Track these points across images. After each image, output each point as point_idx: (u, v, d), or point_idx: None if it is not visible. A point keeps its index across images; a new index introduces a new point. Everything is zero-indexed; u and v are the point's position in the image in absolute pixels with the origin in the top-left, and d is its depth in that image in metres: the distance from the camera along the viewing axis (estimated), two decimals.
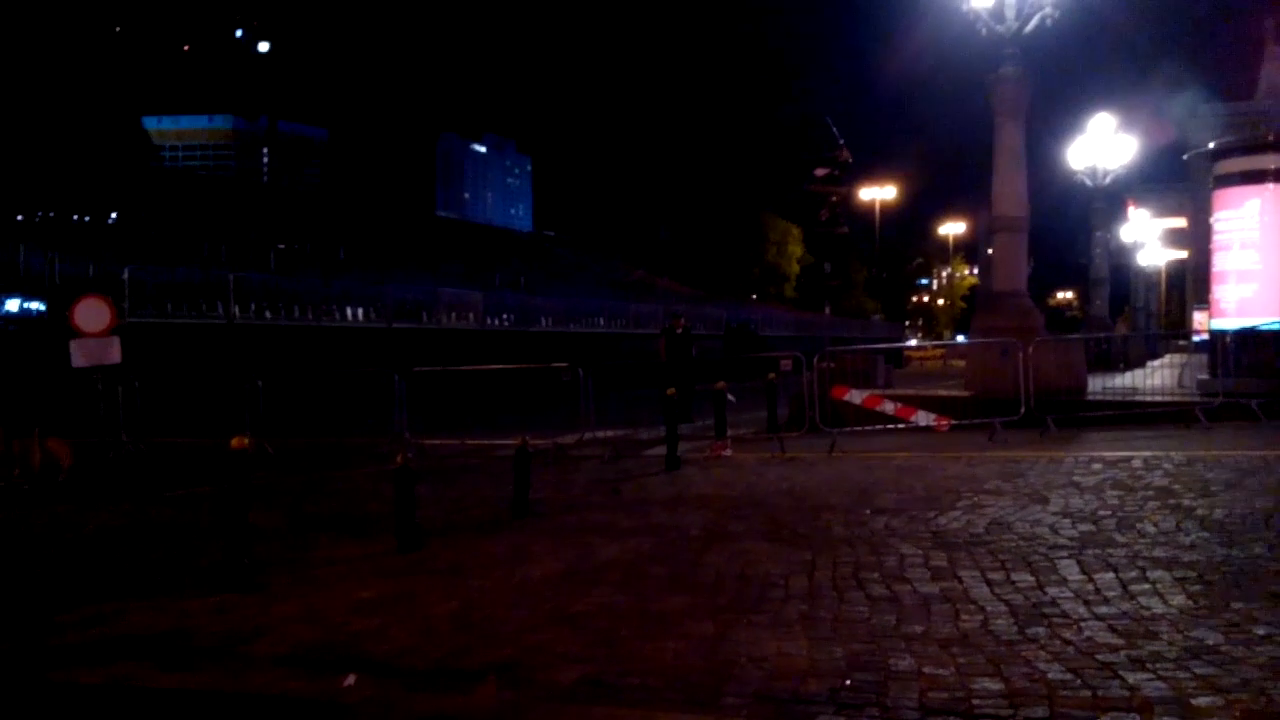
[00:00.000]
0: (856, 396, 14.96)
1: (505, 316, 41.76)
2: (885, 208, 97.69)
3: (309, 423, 17.02)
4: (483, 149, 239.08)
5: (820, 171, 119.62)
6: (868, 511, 8.20)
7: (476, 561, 7.06)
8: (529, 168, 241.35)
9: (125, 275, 26.18)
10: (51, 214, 40.70)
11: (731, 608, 5.56)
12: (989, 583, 5.83)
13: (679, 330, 19.31)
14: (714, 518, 8.42)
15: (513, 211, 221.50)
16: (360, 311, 34.57)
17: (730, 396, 14.00)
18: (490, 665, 4.70)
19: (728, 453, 13.05)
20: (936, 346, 61.07)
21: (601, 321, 47.26)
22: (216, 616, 5.77)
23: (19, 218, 36.77)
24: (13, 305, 25.74)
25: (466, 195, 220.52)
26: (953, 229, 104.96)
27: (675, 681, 4.43)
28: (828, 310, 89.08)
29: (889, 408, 14.85)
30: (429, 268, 47.02)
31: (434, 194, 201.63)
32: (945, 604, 5.44)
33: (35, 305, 25.43)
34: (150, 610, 5.99)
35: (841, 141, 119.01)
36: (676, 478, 11.12)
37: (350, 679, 4.51)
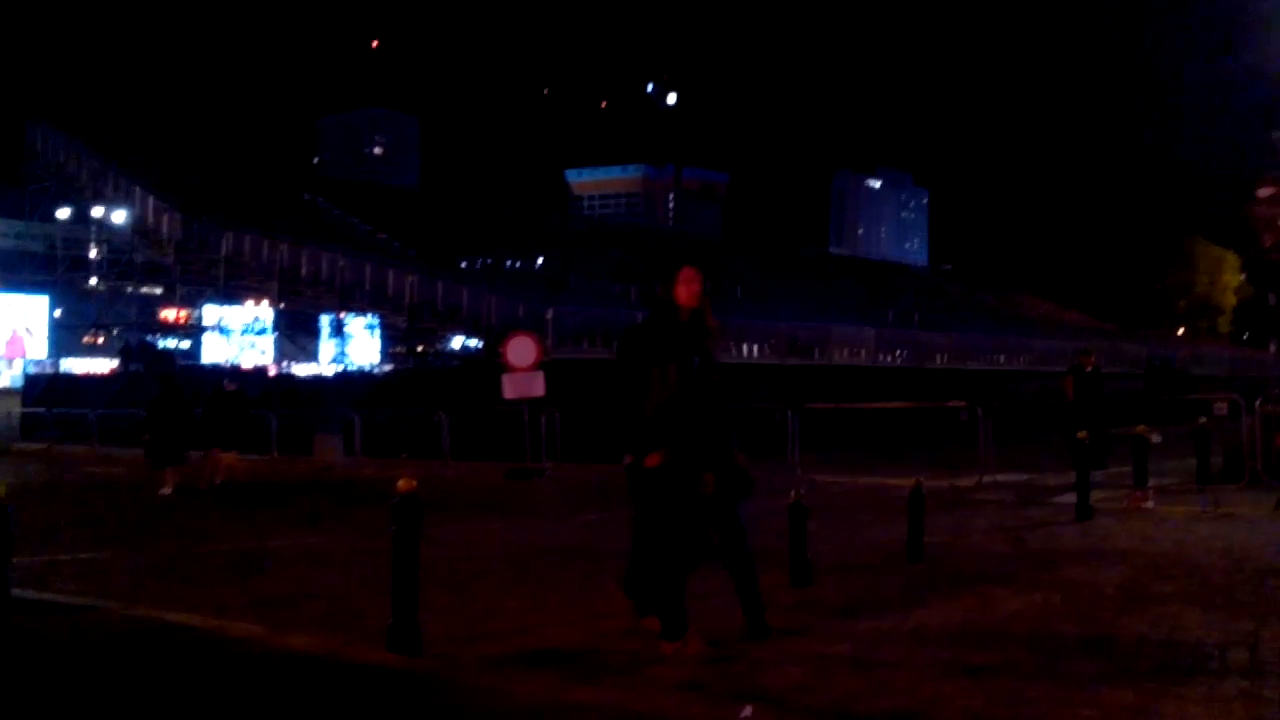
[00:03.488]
0: None
1: (898, 352, 40.95)
2: None
3: None
4: (877, 184, 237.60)
5: (1264, 191, 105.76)
6: None
7: (868, 603, 6.95)
8: (925, 201, 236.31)
9: (549, 315, 28.82)
10: (489, 260, 45.89)
11: (1155, 677, 5.04)
12: None
13: (1088, 368, 17.99)
14: (1134, 576, 7.70)
15: (907, 245, 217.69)
16: (755, 348, 35.50)
17: (1155, 437, 12.77)
18: (887, 713, 4.60)
19: (1149, 504, 11.89)
20: None
21: (1001, 359, 44.88)
22: (626, 637, 6.11)
23: (463, 264, 41.73)
24: (456, 343, 29.31)
25: (860, 231, 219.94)
26: None
27: None
28: (1273, 347, 78.27)
29: None
30: (821, 304, 47.32)
31: (828, 230, 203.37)
32: None
33: (474, 342, 28.73)
34: (567, 626, 6.48)
35: None
36: (1089, 529, 10.31)
37: (748, 710, 4.60)
